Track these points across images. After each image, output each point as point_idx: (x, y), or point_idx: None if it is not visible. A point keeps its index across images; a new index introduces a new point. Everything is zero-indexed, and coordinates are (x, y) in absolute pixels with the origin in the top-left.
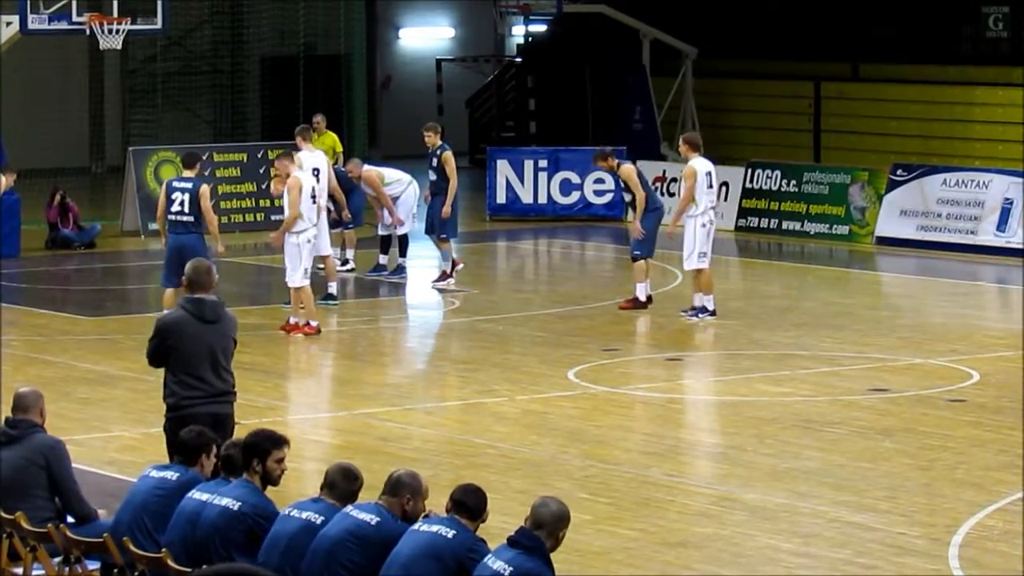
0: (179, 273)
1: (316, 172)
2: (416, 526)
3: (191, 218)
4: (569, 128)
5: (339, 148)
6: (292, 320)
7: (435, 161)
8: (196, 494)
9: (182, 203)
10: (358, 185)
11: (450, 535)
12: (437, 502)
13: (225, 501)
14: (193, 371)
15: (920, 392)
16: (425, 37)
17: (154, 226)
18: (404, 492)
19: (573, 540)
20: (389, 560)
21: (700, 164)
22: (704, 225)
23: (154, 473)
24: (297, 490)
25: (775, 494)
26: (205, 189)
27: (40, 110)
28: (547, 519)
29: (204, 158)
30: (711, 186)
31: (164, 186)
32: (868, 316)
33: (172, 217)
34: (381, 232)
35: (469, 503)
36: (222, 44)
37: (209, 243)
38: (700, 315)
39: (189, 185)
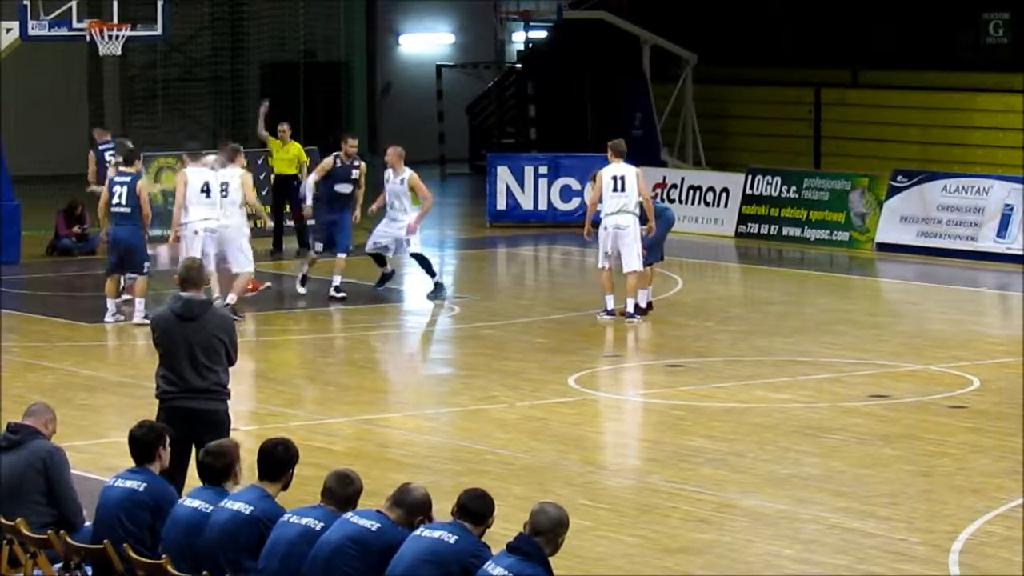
0: (118, 261)
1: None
2: (418, 531)
3: (128, 209)
4: (569, 134)
5: (304, 159)
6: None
7: (354, 172)
8: (189, 501)
9: (120, 196)
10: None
11: (452, 540)
12: (439, 509)
13: (237, 506)
14: (172, 366)
15: (920, 398)
16: (425, 43)
17: (154, 232)
18: (419, 513)
19: (573, 546)
20: (392, 564)
21: (608, 169)
22: (606, 228)
23: (119, 483)
24: (297, 496)
25: (775, 500)
26: (143, 183)
27: (40, 116)
28: (546, 525)
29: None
30: (618, 189)
31: (107, 182)
32: (868, 322)
33: (112, 209)
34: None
35: (473, 508)
36: (222, 50)
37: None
38: (602, 315)
39: (128, 179)
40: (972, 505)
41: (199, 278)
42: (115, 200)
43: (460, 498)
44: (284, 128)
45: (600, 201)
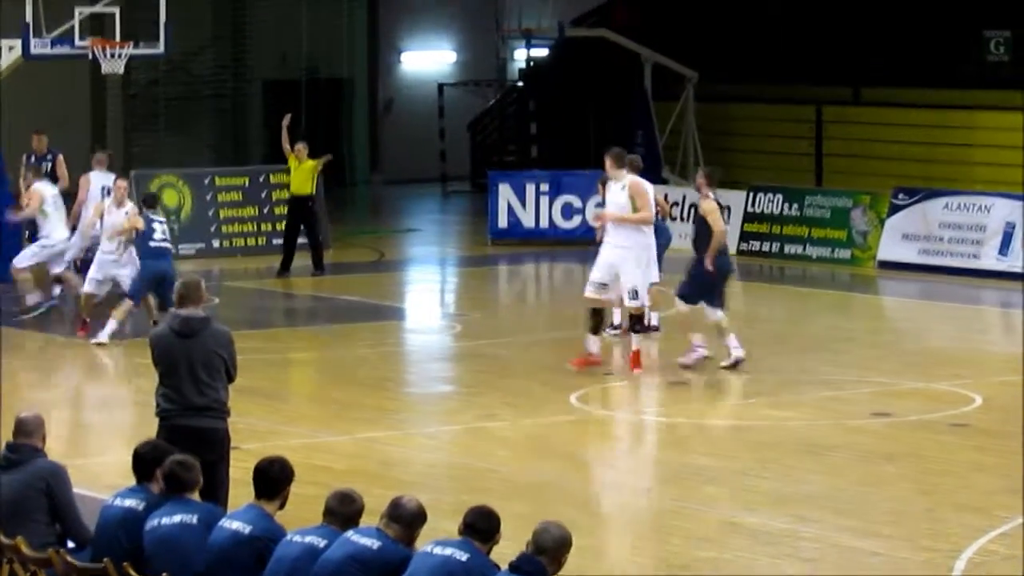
0: (151, 289)
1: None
2: (428, 548)
3: (169, 244)
4: (571, 152)
5: (316, 171)
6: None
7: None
8: (164, 519)
9: (164, 231)
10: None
11: (464, 558)
12: (440, 527)
13: (235, 525)
14: (172, 384)
15: (922, 416)
16: (427, 61)
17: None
18: (418, 525)
19: (575, 565)
20: None
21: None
22: None
23: (119, 502)
24: (298, 515)
25: (778, 518)
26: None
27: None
28: (549, 544)
29: (206, 182)
30: None
31: (144, 219)
32: (870, 340)
33: (155, 244)
34: None
35: (481, 525)
36: (224, 68)
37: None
38: (609, 330)
39: (162, 218)
40: (974, 524)
41: (197, 295)
42: (157, 236)
43: (466, 516)
44: (300, 148)
45: None
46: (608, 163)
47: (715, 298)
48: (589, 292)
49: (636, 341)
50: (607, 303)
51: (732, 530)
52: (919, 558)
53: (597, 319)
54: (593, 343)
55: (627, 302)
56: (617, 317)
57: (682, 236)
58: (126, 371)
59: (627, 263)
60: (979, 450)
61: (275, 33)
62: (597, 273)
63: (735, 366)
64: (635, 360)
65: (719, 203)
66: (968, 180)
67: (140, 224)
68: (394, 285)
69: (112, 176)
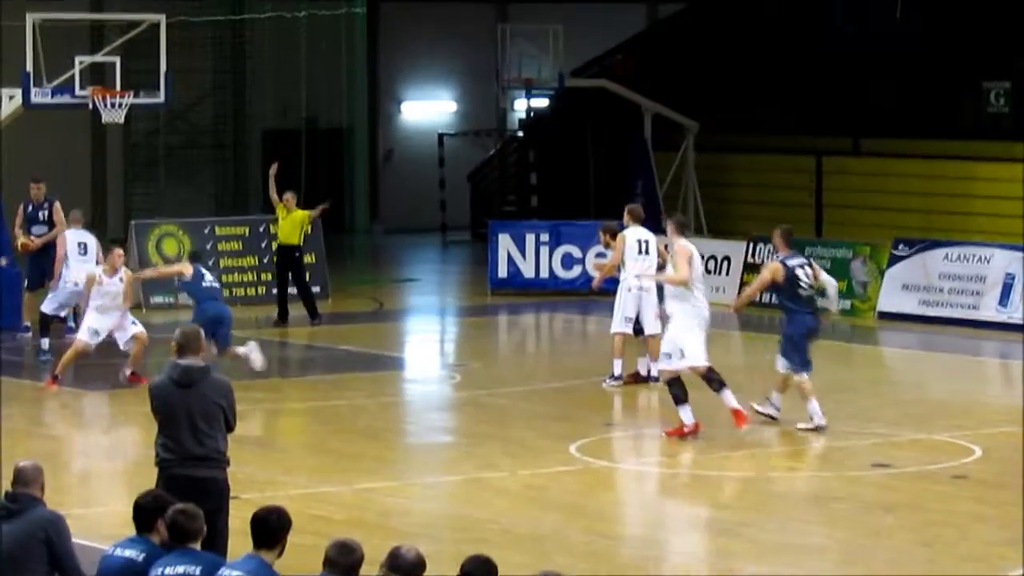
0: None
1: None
2: None
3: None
4: (571, 202)
5: (307, 229)
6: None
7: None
8: (167, 569)
9: (211, 276)
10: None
11: None
12: None
13: (235, 575)
14: (171, 433)
15: (923, 467)
16: (427, 111)
17: (156, 299)
18: (418, 574)
19: None
20: None
21: (631, 232)
22: (630, 290)
23: (119, 552)
24: (297, 565)
25: (779, 570)
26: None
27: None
28: None
29: (206, 231)
30: (643, 252)
31: (195, 269)
32: (870, 391)
33: (207, 284)
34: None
35: (478, 575)
36: (224, 117)
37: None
38: (609, 381)
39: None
40: (974, 574)
41: (197, 344)
42: (208, 278)
43: (464, 566)
44: (288, 197)
45: (622, 263)
46: (670, 229)
47: (796, 357)
48: (662, 365)
49: (730, 398)
50: (680, 370)
51: None
52: None
53: (680, 388)
54: (686, 413)
55: (680, 364)
56: (618, 368)
57: None
58: (124, 420)
59: (674, 324)
60: (979, 501)
61: (275, 83)
62: (664, 345)
63: (760, 413)
64: (739, 418)
65: (784, 263)
66: (968, 231)
67: (188, 270)
68: (393, 335)
69: (89, 234)
